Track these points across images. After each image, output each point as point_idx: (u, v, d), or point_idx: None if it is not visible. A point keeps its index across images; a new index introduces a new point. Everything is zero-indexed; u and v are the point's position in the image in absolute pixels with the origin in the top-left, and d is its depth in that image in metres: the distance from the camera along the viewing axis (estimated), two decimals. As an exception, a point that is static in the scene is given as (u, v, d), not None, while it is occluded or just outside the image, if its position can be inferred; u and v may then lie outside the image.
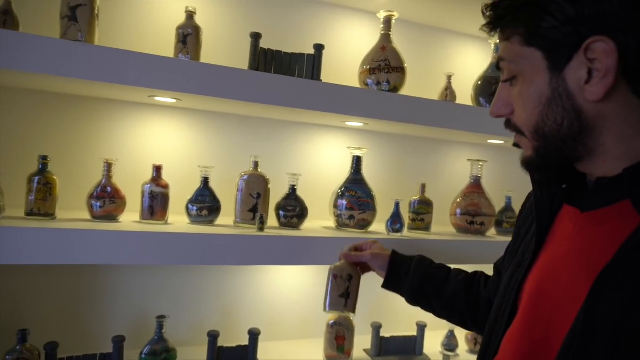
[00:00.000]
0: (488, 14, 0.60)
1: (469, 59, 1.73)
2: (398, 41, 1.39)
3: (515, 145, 0.65)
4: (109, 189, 1.14)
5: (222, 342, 1.26)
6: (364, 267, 1.06)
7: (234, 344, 1.28)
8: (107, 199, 1.14)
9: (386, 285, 1.01)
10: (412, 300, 1.01)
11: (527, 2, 0.55)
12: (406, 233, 1.41)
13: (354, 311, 1.05)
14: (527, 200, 0.79)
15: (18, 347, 1.06)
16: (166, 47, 1.26)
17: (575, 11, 0.51)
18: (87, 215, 1.13)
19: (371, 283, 1.59)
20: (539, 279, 0.62)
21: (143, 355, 1.19)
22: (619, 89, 0.52)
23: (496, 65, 0.64)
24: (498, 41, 0.63)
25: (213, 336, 1.25)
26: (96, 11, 1.08)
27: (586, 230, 0.58)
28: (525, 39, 0.56)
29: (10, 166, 1.15)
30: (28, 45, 0.96)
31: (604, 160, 0.56)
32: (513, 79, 0.60)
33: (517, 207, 1.60)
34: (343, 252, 1.06)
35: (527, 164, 0.63)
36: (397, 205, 1.37)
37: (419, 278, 0.96)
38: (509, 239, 1.45)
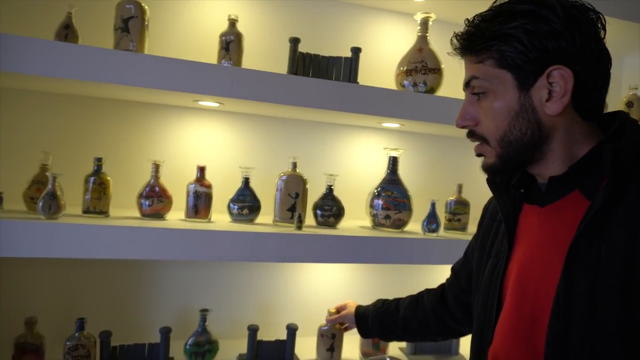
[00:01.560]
0: (462, 40, 0.72)
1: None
2: (434, 42, 1.40)
3: (479, 155, 0.76)
4: (157, 188, 1.21)
5: (260, 336, 1.31)
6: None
7: (272, 338, 1.32)
8: (155, 198, 1.21)
9: (362, 335, 1.17)
10: (384, 338, 1.18)
11: (501, 34, 0.66)
12: (442, 233, 1.41)
13: None
14: (486, 210, 0.90)
15: (77, 334, 1.15)
16: (209, 51, 1.32)
17: (540, 44, 0.64)
18: (137, 213, 1.21)
19: (406, 279, 1.61)
20: (519, 269, 0.73)
21: (188, 346, 1.26)
22: (567, 107, 0.66)
23: (466, 83, 0.73)
24: (465, 62, 0.73)
25: (253, 330, 1.30)
26: (146, 22, 1.15)
27: (549, 220, 0.71)
28: (498, 62, 0.68)
29: (68, 167, 1.24)
30: (86, 56, 1.04)
31: (553, 163, 0.70)
32: (482, 94, 0.71)
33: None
34: (327, 317, 1.26)
35: (490, 168, 0.74)
36: (433, 205, 1.38)
37: (377, 321, 1.10)
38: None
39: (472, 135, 0.74)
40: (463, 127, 0.75)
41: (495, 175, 0.76)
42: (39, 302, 1.28)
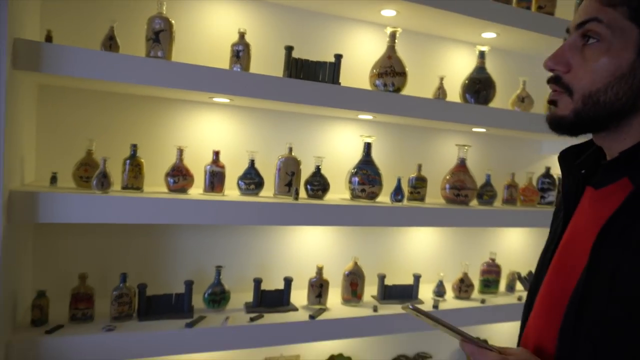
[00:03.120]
0: None
1: (458, 62, 2.07)
2: (400, 50, 1.73)
3: (551, 102, 0.69)
4: (181, 169, 1.50)
5: (263, 287, 1.63)
6: None
7: (272, 289, 1.65)
8: (180, 177, 1.50)
9: None
10: None
11: None
12: (406, 203, 1.78)
13: None
14: (559, 202, 0.85)
15: (121, 285, 1.43)
16: (221, 54, 1.60)
17: None
18: (165, 189, 1.50)
19: (378, 241, 1.97)
20: (563, 245, 0.73)
21: (206, 295, 1.56)
22: None
23: (580, 23, 0.66)
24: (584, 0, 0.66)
25: (258, 281, 1.63)
26: (173, 34, 1.42)
27: (596, 204, 0.69)
28: (632, 13, 0.61)
29: (108, 152, 1.50)
30: (127, 63, 1.30)
31: (625, 139, 0.65)
32: (594, 41, 0.64)
33: (495, 182, 1.97)
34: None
35: (559, 121, 0.68)
36: (399, 181, 1.74)
37: None
38: (488, 208, 1.84)
39: (556, 81, 0.68)
40: (552, 70, 0.68)
41: (560, 129, 0.69)
42: (87, 262, 1.55)
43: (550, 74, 0.69)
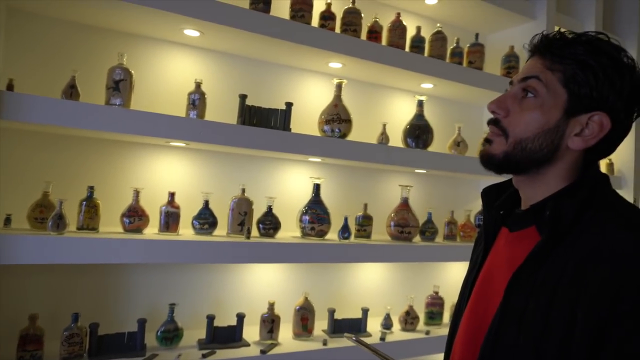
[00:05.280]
0: (548, 43, 0.75)
1: (399, 109, 2.27)
2: (346, 94, 1.89)
3: (487, 140, 0.79)
4: (137, 209, 1.56)
5: (216, 323, 1.67)
6: None
7: (225, 325, 1.70)
8: (136, 217, 1.55)
9: None
10: None
11: (583, 60, 0.71)
12: (353, 240, 1.89)
13: None
14: (479, 233, 0.96)
15: (72, 325, 1.44)
16: (177, 102, 1.70)
17: (606, 90, 0.70)
18: (121, 229, 1.55)
19: (327, 276, 2.06)
20: (481, 281, 0.81)
21: (159, 334, 1.59)
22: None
23: (523, 78, 0.76)
24: (530, 60, 0.78)
25: (210, 318, 1.67)
26: (133, 83, 1.52)
27: (511, 245, 0.78)
28: (564, 80, 0.72)
29: (64, 194, 1.53)
30: (87, 111, 1.38)
31: (540, 187, 0.76)
32: (531, 95, 0.74)
33: (436, 220, 2.13)
34: None
35: (490, 158, 0.78)
36: (346, 219, 1.86)
37: None
38: (430, 244, 1.98)
39: (495, 123, 0.77)
40: (493, 112, 0.77)
41: (489, 165, 0.79)
42: (38, 302, 1.55)
43: (491, 115, 0.80)
